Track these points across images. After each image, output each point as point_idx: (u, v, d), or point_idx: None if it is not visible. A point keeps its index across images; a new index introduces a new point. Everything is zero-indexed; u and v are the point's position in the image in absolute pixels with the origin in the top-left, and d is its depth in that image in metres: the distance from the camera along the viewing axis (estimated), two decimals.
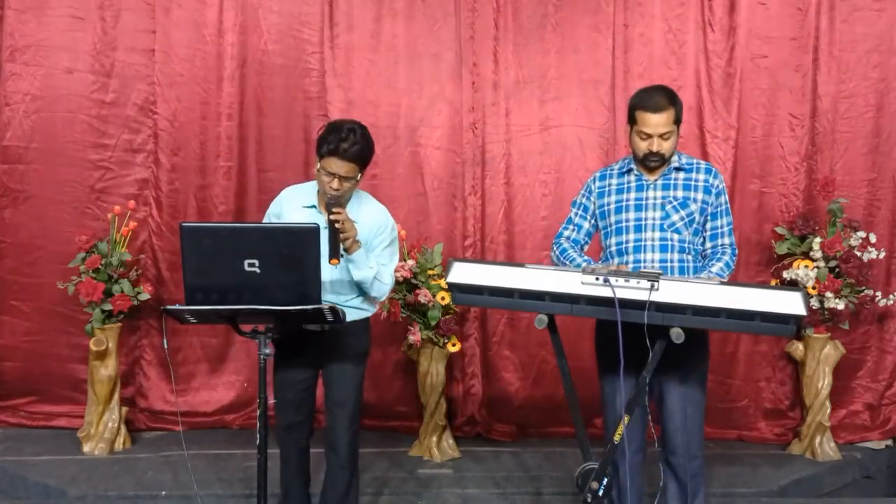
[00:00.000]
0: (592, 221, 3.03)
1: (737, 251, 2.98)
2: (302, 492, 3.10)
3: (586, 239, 3.04)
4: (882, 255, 4.15)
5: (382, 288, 2.90)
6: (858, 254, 4.08)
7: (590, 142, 4.45)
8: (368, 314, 3.01)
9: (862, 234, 4.11)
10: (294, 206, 2.94)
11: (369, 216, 2.90)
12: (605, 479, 2.56)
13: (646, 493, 3.08)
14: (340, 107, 4.44)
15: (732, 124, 4.39)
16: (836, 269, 4.08)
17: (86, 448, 4.11)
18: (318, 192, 2.90)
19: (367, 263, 2.81)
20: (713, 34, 4.39)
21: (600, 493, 2.55)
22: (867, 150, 4.40)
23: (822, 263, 4.09)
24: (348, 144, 2.71)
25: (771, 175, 4.41)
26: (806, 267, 4.09)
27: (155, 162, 4.40)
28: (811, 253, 4.13)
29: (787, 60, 4.37)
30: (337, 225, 2.66)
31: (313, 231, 2.47)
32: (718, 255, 2.93)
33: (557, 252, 3.01)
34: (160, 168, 4.40)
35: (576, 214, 3.06)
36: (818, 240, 4.11)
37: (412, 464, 4.07)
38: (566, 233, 3.05)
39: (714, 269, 2.86)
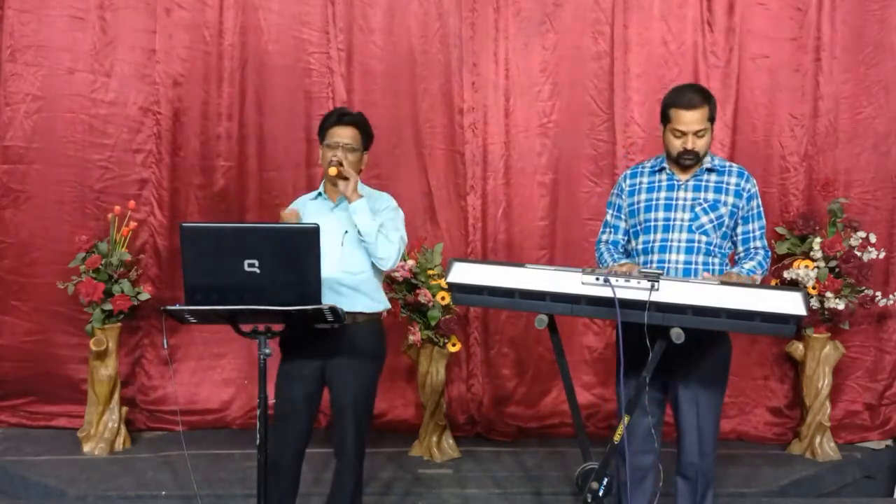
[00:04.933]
0: (627, 220, 3.00)
1: (770, 254, 2.95)
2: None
3: (626, 238, 3.00)
4: (882, 255, 4.15)
5: (389, 248, 2.79)
6: (858, 254, 4.08)
7: (589, 142, 4.45)
8: (377, 310, 2.92)
9: (862, 234, 4.11)
10: (300, 206, 2.97)
11: (373, 196, 2.95)
12: (606, 479, 2.56)
13: (660, 494, 3.06)
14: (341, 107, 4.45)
15: (731, 125, 4.39)
16: (837, 269, 4.08)
17: (86, 448, 4.12)
18: (324, 181, 2.97)
19: (370, 215, 2.79)
20: (712, 34, 4.39)
21: (600, 493, 2.55)
22: (867, 150, 4.40)
23: (822, 263, 4.09)
24: (348, 113, 2.95)
25: (771, 175, 4.41)
26: (806, 267, 4.09)
27: (156, 162, 4.41)
28: (811, 253, 4.13)
29: (786, 61, 4.37)
30: (338, 168, 2.77)
31: (313, 231, 2.47)
32: (751, 256, 2.89)
33: (596, 256, 3.01)
34: (162, 167, 4.41)
35: (611, 216, 3.04)
36: (818, 240, 4.11)
37: (412, 464, 4.08)
38: (604, 236, 3.04)
39: (746, 267, 2.83)
